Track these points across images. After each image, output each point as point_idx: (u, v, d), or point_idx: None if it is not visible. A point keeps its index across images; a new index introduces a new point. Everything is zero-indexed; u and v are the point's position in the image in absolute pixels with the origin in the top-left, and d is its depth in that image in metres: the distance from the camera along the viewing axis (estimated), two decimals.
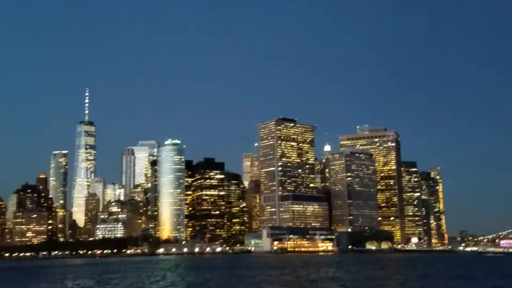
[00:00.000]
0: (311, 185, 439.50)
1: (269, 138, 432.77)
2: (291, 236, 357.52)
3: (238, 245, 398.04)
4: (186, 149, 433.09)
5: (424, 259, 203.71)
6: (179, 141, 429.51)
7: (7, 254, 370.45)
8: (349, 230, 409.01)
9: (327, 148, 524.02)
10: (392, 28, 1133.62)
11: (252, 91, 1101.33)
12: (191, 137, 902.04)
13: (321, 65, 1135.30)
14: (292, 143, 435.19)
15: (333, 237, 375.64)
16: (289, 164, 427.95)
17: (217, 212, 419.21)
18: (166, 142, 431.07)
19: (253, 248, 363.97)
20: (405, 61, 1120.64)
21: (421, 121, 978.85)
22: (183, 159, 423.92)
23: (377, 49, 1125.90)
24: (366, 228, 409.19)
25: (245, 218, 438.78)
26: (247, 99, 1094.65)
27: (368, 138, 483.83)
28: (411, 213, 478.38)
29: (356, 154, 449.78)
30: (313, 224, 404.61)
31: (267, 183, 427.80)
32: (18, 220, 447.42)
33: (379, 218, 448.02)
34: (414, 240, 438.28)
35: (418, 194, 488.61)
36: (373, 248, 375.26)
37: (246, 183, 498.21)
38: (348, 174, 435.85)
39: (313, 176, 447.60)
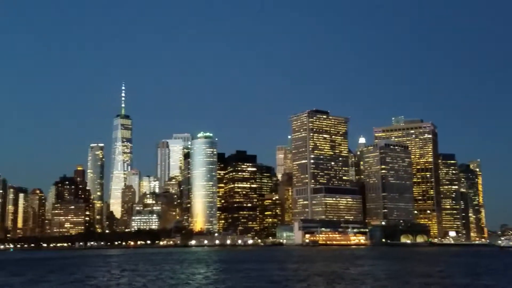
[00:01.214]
0: (344, 177, 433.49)
1: (301, 130, 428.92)
2: (322, 229, 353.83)
3: (270, 237, 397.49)
4: (218, 142, 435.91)
5: (463, 252, 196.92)
6: (211, 134, 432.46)
7: (45, 245, 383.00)
8: (383, 223, 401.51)
9: (362, 140, 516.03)
10: (429, 18, 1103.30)
11: (285, 83, 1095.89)
12: (224, 130, 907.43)
13: (354, 56, 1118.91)
14: (325, 135, 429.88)
15: (366, 230, 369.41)
16: (321, 157, 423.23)
17: (249, 205, 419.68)
18: (198, 135, 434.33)
19: (284, 241, 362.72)
20: (442, 51, 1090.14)
21: (460, 112, 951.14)
22: (215, 152, 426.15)
23: (413, 39, 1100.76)
24: (401, 221, 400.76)
25: (277, 210, 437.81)
26: (280, 91, 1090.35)
27: (404, 129, 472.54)
28: (448, 206, 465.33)
29: (391, 146, 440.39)
30: (346, 217, 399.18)
31: (299, 176, 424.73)
32: (56, 211, 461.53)
33: (415, 212, 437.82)
34: (452, 234, 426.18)
35: (456, 187, 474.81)
36: (408, 241, 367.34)
37: (279, 176, 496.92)
38: (383, 166, 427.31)
39: (346, 168, 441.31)
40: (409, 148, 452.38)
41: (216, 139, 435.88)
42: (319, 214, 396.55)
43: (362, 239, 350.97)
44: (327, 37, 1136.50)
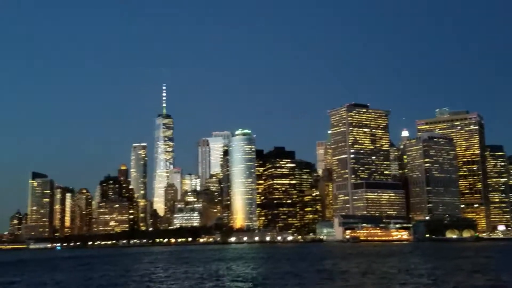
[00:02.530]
0: (386, 172, 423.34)
1: (340, 125, 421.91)
2: (364, 224, 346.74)
3: (311, 234, 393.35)
4: (257, 138, 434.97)
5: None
6: (249, 131, 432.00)
7: (90, 243, 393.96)
8: (427, 218, 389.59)
9: (405, 133, 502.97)
10: (473, 7, 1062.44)
11: (323, 78, 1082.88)
12: (262, 127, 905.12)
13: (394, 47, 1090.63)
14: (365, 129, 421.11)
15: (410, 225, 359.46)
16: (361, 151, 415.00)
17: (289, 201, 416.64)
18: (236, 132, 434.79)
19: (324, 237, 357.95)
20: (487, 40, 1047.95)
21: (508, 102, 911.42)
22: (253, 149, 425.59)
23: (456, 29, 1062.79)
24: (446, 216, 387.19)
25: (318, 206, 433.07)
26: (318, 85, 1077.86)
27: (448, 121, 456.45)
28: (497, 200, 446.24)
29: (435, 139, 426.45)
30: (388, 212, 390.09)
31: (339, 171, 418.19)
32: (101, 210, 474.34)
33: (462, 206, 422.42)
34: (501, 228, 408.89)
35: (505, 179, 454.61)
36: (454, 236, 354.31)
37: (320, 172, 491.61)
38: (426, 160, 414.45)
39: (387, 163, 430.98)
40: (454, 141, 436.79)
41: (254, 135, 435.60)
42: (360, 210, 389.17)
43: (404, 234, 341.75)
44: (366, 28, 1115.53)
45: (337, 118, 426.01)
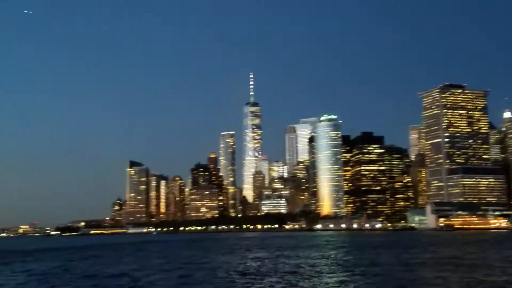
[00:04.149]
0: (485, 156, 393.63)
1: (434, 107, 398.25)
2: (459, 212, 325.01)
3: (402, 221, 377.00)
4: (344, 124, 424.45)
5: None
6: (335, 116, 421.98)
7: (181, 228, 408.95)
8: None
9: (507, 115, 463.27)
10: None
11: (413, 58, 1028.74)
12: (350, 112, 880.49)
13: (489, 24, 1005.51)
14: (461, 111, 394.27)
15: (510, 213, 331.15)
16: (457, 135, 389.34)
17: (378, 188, 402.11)
18: (322, 118, 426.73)
19: (416, 225, 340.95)
20: None
21: None
22: (339, 135, 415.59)
23: None
24: None
25: (409, 193, 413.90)
26: (408, 67, 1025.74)
27: None
28: None
29: None
30: (488, 199, 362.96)
31: (432, 156, 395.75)
32: (193, 196, 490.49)
33: None
34: None
35: None
36: None
37: (413, 157, 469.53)
38: None
39: (487, 146, 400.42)
40: None
41: (341, 121, 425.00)
42: (456, 197, 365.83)
43: (503, 222, 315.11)
44: (458, 4, 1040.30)
45: (430, 100, 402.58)
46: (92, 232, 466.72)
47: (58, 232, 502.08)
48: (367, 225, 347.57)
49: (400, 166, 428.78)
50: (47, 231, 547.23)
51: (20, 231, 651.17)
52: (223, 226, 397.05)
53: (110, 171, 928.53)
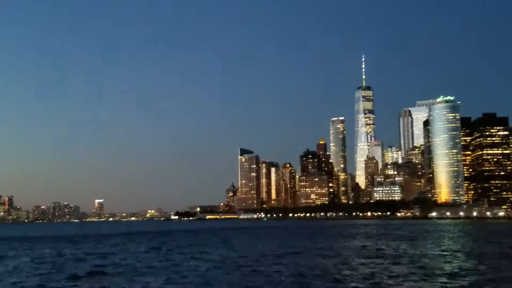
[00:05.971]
0: None
1: None
2: None
3: None
4: (464, 105, 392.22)
5: None
6: (452, 98, 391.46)
7: (290, 214, 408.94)
8: None
9: None
10: None
11: None
12: (470, 93, 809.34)
13: None
14: None
15: None
16: None
17: (502, 173, 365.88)
18: (438, 100, 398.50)
19: None
20: None
21: None
22: (458, 117, 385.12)
23: None
24: None
25: None
26: None
27: None
28: None
29: None
30: None
31: None
32: (302, 183, 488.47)
33: None
34: None
35: None
36: None
37: None
38: None
39: None
40: None
41: (459, 102, 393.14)
42: None
43: None
44: None
45: None
46: (207, 217, 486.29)
47: (177, 217, 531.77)
48: (488, 213, 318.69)
49: None
50: (169, 216, 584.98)
51: (148, 215, 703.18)
52: (331, 213, 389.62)
53: (223, 159, 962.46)
